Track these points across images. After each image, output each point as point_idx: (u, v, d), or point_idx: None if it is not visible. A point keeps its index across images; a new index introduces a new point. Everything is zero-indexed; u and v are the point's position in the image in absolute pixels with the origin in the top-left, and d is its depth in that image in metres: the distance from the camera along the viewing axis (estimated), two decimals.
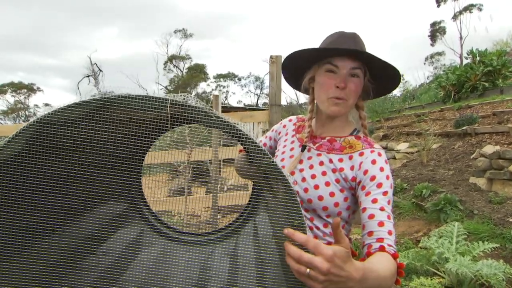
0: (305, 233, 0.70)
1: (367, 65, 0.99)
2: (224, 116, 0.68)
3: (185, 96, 0.69)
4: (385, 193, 0.90)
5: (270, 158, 0.67)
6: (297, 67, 1.07)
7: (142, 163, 1.03)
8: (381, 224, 0.86)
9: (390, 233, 0.86)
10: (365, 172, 0.94)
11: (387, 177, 0.93)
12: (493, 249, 2.73)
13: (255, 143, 0.67)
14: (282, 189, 0.71)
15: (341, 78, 0.96)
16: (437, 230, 3.24)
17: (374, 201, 0.89)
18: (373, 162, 0.95)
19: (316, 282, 0.63)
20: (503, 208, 3.77)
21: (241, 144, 0.71)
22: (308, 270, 0.62)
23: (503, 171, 4.18)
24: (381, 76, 1.00)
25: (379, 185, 0.91)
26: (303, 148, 1.06)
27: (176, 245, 1.02)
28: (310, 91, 1.07)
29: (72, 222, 0.90)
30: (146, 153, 1.01)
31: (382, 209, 0.88)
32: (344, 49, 0.95)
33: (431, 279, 2.63)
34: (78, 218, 0.91)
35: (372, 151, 0.97)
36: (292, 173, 1.04)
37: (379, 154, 0.97)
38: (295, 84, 1.14)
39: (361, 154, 0.98)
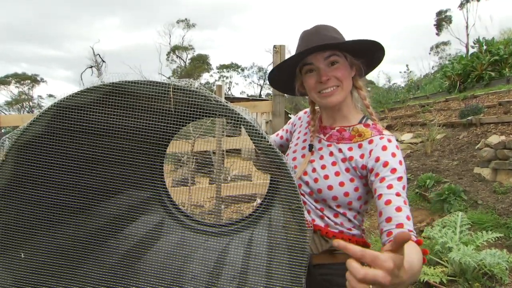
0: (303, 215, 0.70)
1: (342, 49, 0.98)
2: (223, 100, 0.69)
3: (187, 81, 0.70)
4: (399, 178, 0.89)
5: (268, 141, 0.68)
6: (284, 80, 1.10)
7: (164, 152, 1.05)
8: (398, 209, 0.84)
9: (408, 218, 0.84)
10: (377, 159, 0.92)
11: (400, 163, 0.91)
12: (496, 238, 2.73)
13: (254, 126, 0.68)
14: (280, 172, 0.72)
15: (321, 73, 0.96)
16: (440, 220, 3.24)
17: (390, 186, 0.88)
18: (384, 148, 0.94)
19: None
20: (507, 198, 3.75)
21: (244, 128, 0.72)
22: (370, 286, 0.57)
23: (508, 161, 4.15)
24: (362, 51, 0.99)
25: (393, 171, 0.89)
26: (310, 148, 1.07)
27: (195, 234, 1.04)
28: (308, 94, 1.09)
29: (98, 204, 0.94)
30: (168, 143, 1.04)
31: (398, 194, 0.86)
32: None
33: (434, 268, 2.64)
34: (103, 200, 0.94)
35: (381, 138, 0.96)
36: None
37: (389, 140, 0.95)
38: (292, 92, 1.16)
39: (370, 142, 0.97)
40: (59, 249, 0.87)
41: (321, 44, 0.92)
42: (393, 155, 0.92)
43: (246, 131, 0.70)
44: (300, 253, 0.74)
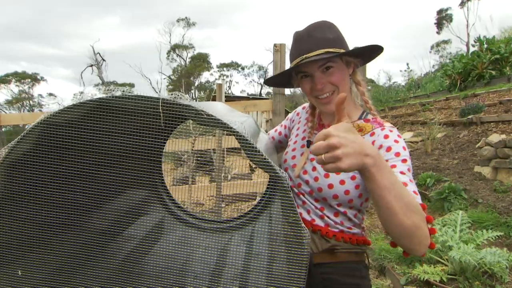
0: (301, 229, 0.70)
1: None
2: (215, 114, 0.68)
3: (176, 95, 0.70)
4: (404, 160, 0.88)
5: (262, 155, 0.67)
6: (280, 81, 1.10)
7: (160, 155, 1.06)
8: (404, 184, 0.82)
9: (415, 193, 0.83)
10: (380, 146, 0.92)
11: (404, 148, 0.91)
12: (497, 237, 2.73)
13: (247, 140, 0.67)
14: (276, 186, 0.71)
15: (315, 81, 0.96)
16: (441, 218, 3.24)
17: (394, 166, 0.87)
18: (386, 137, 0.93)
19: (337, 161, 0.62)
20: (508, 197, 3.75)
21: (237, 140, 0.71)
22: (322, 156, 0.63)
23: (508, 160, 4.14)
24: (358, 53, 0.98)
25: (397, 154, 0.89)
26: (308, 144, 1.07)
27: (196, 231, 1.04)
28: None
29: (94, 212, 0.94)
30: (163, 146, 1.04)
31: (402, 173, 0.85)
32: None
33: (434, 267, 2.64)
34: (98, 208, 0.94)
35: (382, 129, 0.95)
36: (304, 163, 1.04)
37: (391, 131, 0.95)
38: (290, 86, 1.15)
39: (372, 134, 0.96)
40: (58, 262, 0.87)
41: (311, 58, 0.91)
42: (396, 141, 0.91)
43: (240, 145, 0.69)
44: (298, 266, 0.74)
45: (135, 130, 0.80)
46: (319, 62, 0.94)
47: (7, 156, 0.74)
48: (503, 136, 4.46)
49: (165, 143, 1.00)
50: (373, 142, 0.94)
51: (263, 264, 0.88)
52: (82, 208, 0.91)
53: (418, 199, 0.81)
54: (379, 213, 0.72)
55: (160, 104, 0.68)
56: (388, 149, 0.90)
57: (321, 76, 0.95)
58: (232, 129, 0.67)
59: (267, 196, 1.03)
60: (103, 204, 0.94)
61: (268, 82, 1.11)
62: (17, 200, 0.79)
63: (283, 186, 0.68)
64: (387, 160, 0.88)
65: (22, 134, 0.74)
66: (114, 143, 0.82)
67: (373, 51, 0.98)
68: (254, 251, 0.93)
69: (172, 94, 0.71)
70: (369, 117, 1.03)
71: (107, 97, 0.70)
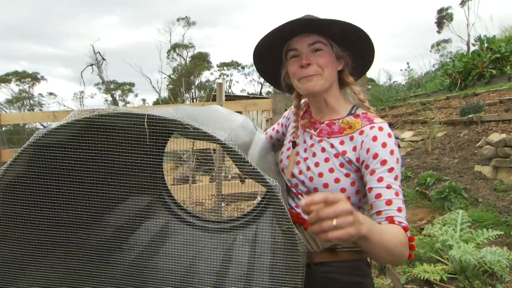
0: (294, 237, 0.71)
1: (330, 37, 0.97)
2: (202, 127, 0.68)
3: (163, 109, 0.70)
4: (390, 169, 0.88)
5: (251, 166, 0.67)
6: (270, 67, 1.08)
7: (159, 165, 1.06)
8: (389, 202, 0.85)
9: (399, 210, 0.85)
10: (367, 150, 0.91)
11: (391, 152, 0.90)
12: (497, 236, 2.72)
13: (235, 151, 0.67)
14: (268, 195, 0.71)
15: (302, 56, 0.95)
16: (441, 218, 3.24)
17: (380, 179, 0.87)
18: (374, 138, 0.92)
19: (347, 227, 0.62)
20: (508, 196, 3.75)
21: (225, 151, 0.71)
22: (334, 221, 0.61)
23: (509, 159, 4.14)
24: (350, 42, 0.97)
25: (383, 162, 0.89)
26: (293, 145, 1.06)
27: (200, 233, 1.04)
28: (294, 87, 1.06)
29: (96, 226, 0.94)
30: (161, 157, 1.05)
31: (388, 187, 0.86)
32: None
33: (434, 266, 2.65)
34: (100, 222, 0.95)
35: (372, 127, 0.94)
36: (298, 163, 1.03)
37: (380, 129, 0.93)
38: (276, 83, 1.14)
39: (361, 133, 0.95)
40: (62, 278, 0.88)
41: (301, 19, 0.91)
42: (384, 145, 0.90)
43: (229, 156, 0.69)
44: (295, 273, 0.74)
45: (129, 146, 0.81)
46: (309, 39, 0.95)
47: (1, 180, 0.75)
48: (504, 135, 4.45)
49: (162, 155, 1.01)
50: (361, 143, 0.93)
51: (264, 267, 0.88)
52: (83, 223, 0.91)
53: (401, 216, 0.85)
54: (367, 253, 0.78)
55: (146, 120, 0.68)
56: (375, 156, 0.90)
57: (310, 54, 0.95)
58: (219, 141, 0.67)
59: (267, 197, 1.03)
60: (104, 217, 0.95)
61: (258, 60, 1.06)
62: (16, 221, 0.80)
63: (274, 195, 0.68)
64: (373, 171, 0.89)
65: (14, 156, 0.74)
66: (108, 160, 0.82)
67: (360, 39, 0.98)
68: (257, 252, 0.93)
69: (159, 109, 0.71)
70: (359, 112, 1.01)
71: (92, 116, 0.70)
